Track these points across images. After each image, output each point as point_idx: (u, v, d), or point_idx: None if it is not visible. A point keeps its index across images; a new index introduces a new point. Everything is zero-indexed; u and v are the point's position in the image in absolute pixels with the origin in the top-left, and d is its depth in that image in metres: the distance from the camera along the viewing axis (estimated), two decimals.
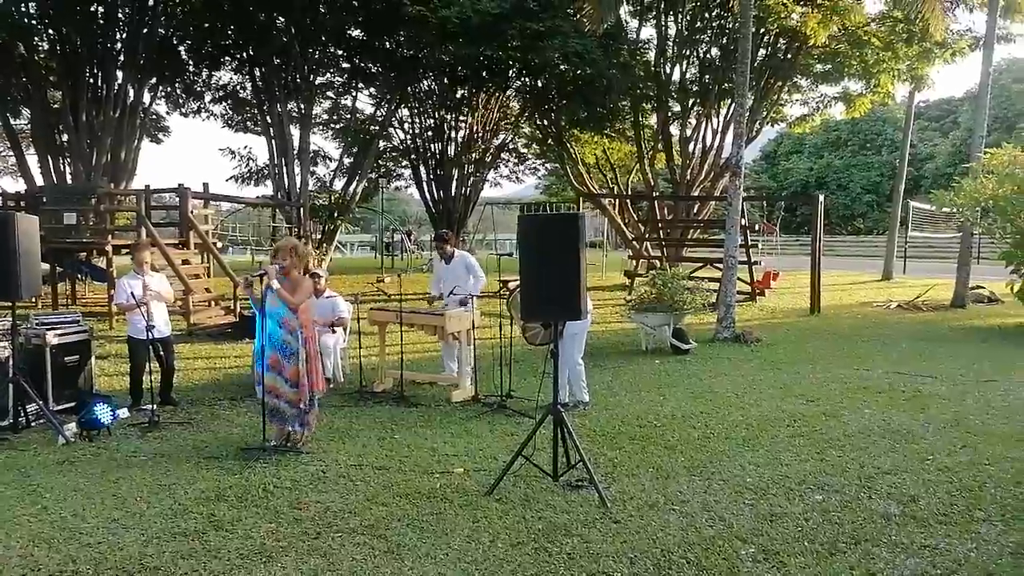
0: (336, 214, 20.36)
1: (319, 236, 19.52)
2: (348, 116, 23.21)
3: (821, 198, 15.00)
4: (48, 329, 6.69)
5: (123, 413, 6.44)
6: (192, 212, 12.80)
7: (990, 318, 13.11)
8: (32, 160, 17.79)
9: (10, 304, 6.13)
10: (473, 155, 23.93)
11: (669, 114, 20.50)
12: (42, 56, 17.05)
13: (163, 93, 21.20)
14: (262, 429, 5.50)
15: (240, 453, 5.41)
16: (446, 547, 3.86)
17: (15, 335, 6.22)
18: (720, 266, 12.78)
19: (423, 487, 4.72)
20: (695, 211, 20.30)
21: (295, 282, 5.50)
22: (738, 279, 11.96)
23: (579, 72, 17.46)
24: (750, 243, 15.34)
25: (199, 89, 21.85)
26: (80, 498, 4.58)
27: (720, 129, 20.03)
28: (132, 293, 6.59)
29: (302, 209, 17.86)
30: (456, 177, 23.70)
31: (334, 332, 7.91)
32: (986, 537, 3.94)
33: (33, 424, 6.17)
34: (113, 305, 7.61)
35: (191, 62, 19.94)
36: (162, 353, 6.93)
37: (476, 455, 5.39)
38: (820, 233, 14.56)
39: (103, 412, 5.92)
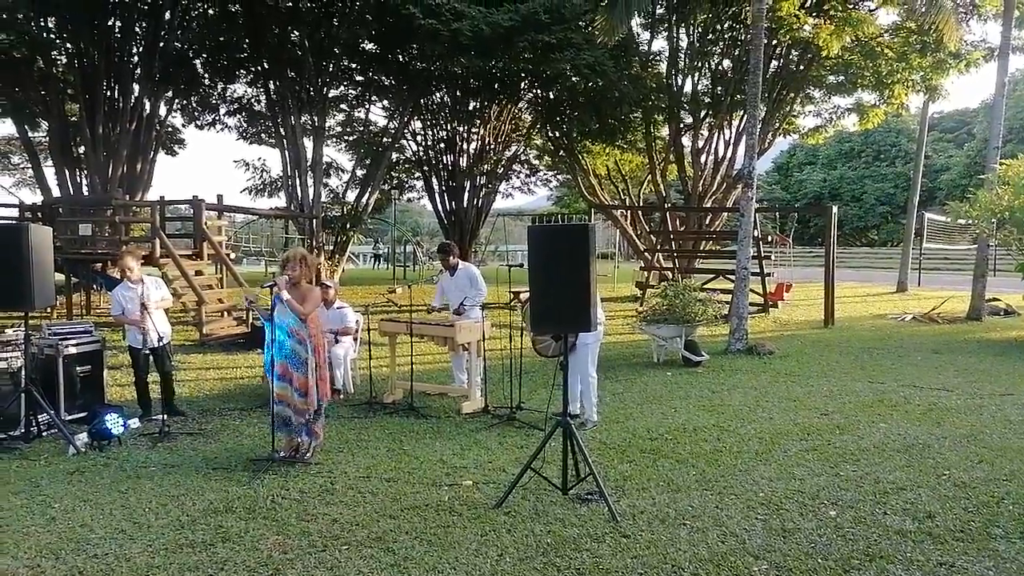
0: (349, 225, 20.44)
1: (332, 247, 19.61)
2: (361, 128, 23.34)
3: (834, 209, 14.90)
4: (61, 339, 6.75)
5: (134, 423, 6.50)
6: (206, 223, 12.91)
7: (1007, 331, 12.95)
8: (49, 172, 17.98)
9: (23, 314, 6.19)
10: (485, 167, 23.97)
11: (681, 125, 20.43)
12: (60, 70, 17.27)
13: (178, 106, 21.42)
14: (271, 440, 5.51)
15: (249, 464, 5.41)
16: (453, 560, 3.83)
17: (28, 345, 6.26)
18: (732, 277, 12.71)
19: (432, 499, 4.69)
20: (707, 222, 20.22)
21: (304, 291, 5.51)
22: (751, 291, 11.89)
23: (590, 84, 17.47)
24: (763, 255, 15.25)
25: (214, 102, 22.04)
26: (89, 508, 4.59)
27: (732, 140, 19.95)
28: (143, 306, 6.58)
29: (315, 220, 17.96)
30: (468, 188, 23.74)
31: (338, 341, 7.91)
32: (1004, 555, 3.87)
33: (44, 434, 6.21)
34: (110, 316, 7.63)
35: (206, 75, 20.13)
36: (167, 360, 6.93)
37: (485, 467, 5.36)
38: (834, 244, 14.44)
39: (114, 422, 5.96)
